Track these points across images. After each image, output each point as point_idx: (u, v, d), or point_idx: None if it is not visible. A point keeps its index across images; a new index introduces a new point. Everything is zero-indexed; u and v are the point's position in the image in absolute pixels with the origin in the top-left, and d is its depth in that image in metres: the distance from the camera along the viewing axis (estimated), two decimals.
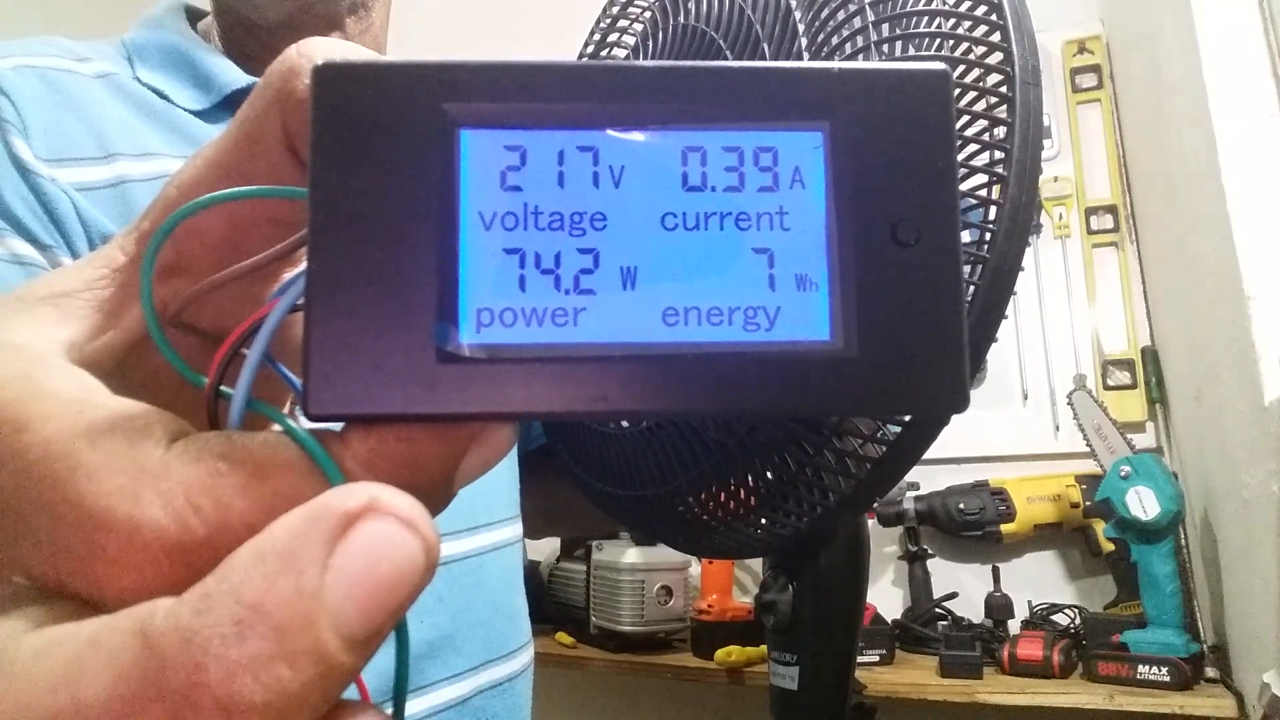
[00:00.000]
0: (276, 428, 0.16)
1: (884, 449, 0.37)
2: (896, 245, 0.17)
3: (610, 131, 0.17)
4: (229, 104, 0.61)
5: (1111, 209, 1.68)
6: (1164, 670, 1.20)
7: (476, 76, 0.17)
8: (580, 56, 0.66)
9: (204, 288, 0.19)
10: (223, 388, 0.18)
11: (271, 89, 0.18)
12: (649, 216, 0.17)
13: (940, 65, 0.17)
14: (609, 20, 0.63)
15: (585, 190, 0.17)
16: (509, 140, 0.17)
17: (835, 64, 0.17)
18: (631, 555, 1.55)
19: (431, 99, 0.17)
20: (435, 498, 0.17)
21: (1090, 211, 1.69)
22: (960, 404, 0.17)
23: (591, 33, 0.66)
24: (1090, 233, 1.68)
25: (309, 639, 0.13)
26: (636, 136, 0.17)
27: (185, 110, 0.60)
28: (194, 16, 0.67)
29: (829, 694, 0.49)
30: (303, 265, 0.17)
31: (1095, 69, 1.73)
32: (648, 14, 0.60)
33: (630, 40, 0.62)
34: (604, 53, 0.63)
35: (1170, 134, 1.41)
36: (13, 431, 0.15)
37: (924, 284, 0.17)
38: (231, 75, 0.61)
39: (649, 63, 0.17)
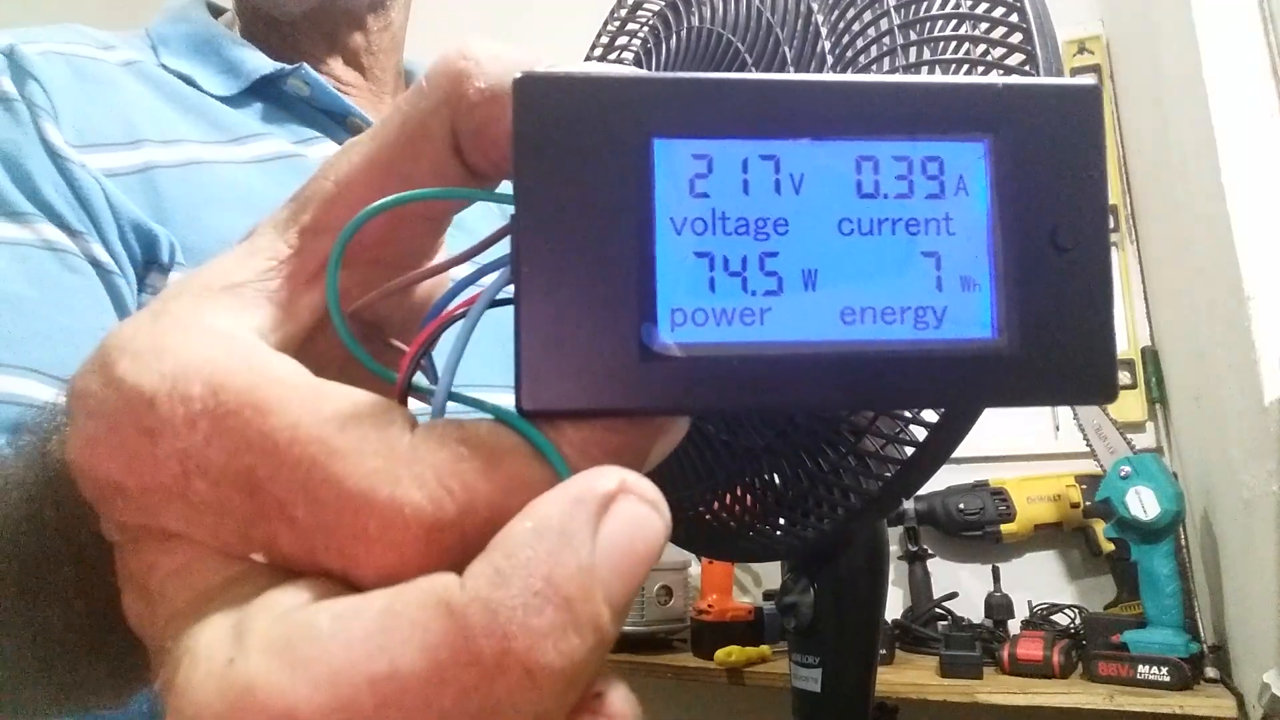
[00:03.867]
0: (485, 416, 0.17)
1: (911, 450, 0.37)
2: (1054, 249, 0.18)
3: (790, 141, 0.18)
4: (255, 90, 0.61)
5: (1111, 209, 1.68)
6: (1164, 670, 1.20)
7: (667, 89, 0.18)
8: (588, 59, 0.66)
9: (386, 291, 0.20)
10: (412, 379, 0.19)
11: (440, 90, 0.19)
12: (827, 222, 0.18)
13: (1092, 80, 0.19)
14: (618, 23, 0.63)
15: (768, 196, 0.18)
16: (697, 149, 0.18)
17: (998, 80, 0.18)
18: None
19: (626, 110, 0.17)
20: None
21: None
22: (1112, 394, 0.18)
23: (599, 34, 0.66)
24: None
25: (591, 609, 0.14)
26: (814, 146, 0.18)
27: (212, 96, 0.60)
28: (214, 11, 0.68)
29: (851, 695, 0.49)
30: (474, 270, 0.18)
31: (1095, 69, 1.74)
32: (657, 17, 0.60)
33: (639, 43, 0.61)
34: (612, 56, 0.62)
35: (1170, 134, 1.41)
36: (256, 415, 0.16)
37: (1079, 285, 0.18)
38: (258, 61, 0.61)
39: (826, 77, 0.18)
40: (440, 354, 0.19)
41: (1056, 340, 0.18)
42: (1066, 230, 0.18)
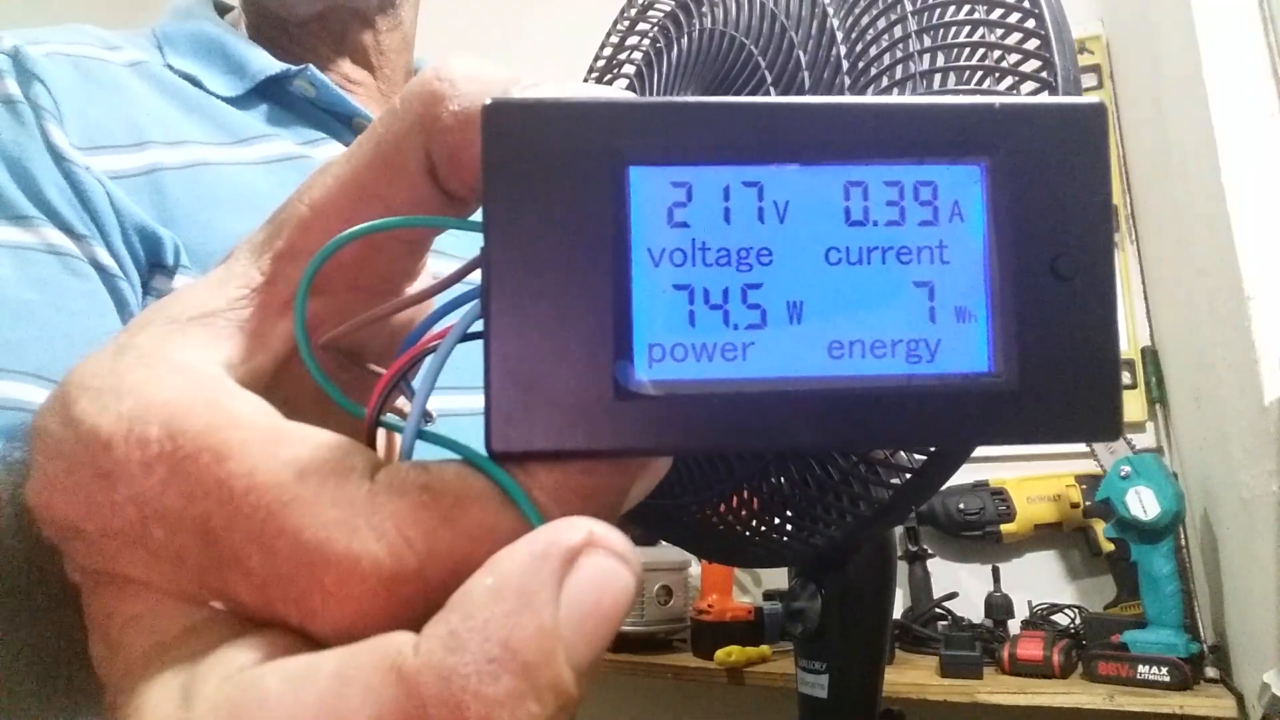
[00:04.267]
0: (453, 457, 0.17)
1: (923, 459, 0.36)
2: (1055, 278, 0.17)
3: (774, 167, 0.17)
4: (262, 91, 0.61)
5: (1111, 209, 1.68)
6: (1164, 670, 1.20)
7: (643, 114, 0.17)
8: (597, 59, 0.65)
9: (359, 322, 0.19)
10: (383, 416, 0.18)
11: (413, 114, 0.18)
12: (813, 251, 0.17)
13: (1096, 99, 0.17)
14: (627, 23, 0.62)
15: (751, 226, 0.17)
16: (675, 176, 0.17)
17: (994, 99, 0.17)
18: None
19: (600, 136, 0.17)
20: (608, 521, 0.17)
21: None
22: (1116, 432, 0.17)
23: (608, 35, 0.65)
24: None
25: (551, 673, 0.14)
26: (800, 172, 0.17)
27: (218, 97, 0.59)
28: (220, 10, 0.67)
29: (858, 701, 0.49)
30: (446, 301, 0.17)
31: (1095, 69, 1.74)
32: (667, 18, 0.60)
33: (648, 44, 0.61)
34: (622, 56, 0.62)
35: (1170, 134, 1.41)
36: (213, 461, 0.16)
37: (1081, 316, 0.17)
38: (264, 62, 0.61)
39: (811, 99, 0.17)
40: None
41: (1057, 375, 0.17)
42: (1069, 258, 0.17)
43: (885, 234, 0.17)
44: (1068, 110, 0.17)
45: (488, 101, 0.17)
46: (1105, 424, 0.17)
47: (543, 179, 0.16)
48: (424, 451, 0.17)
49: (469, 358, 0.19)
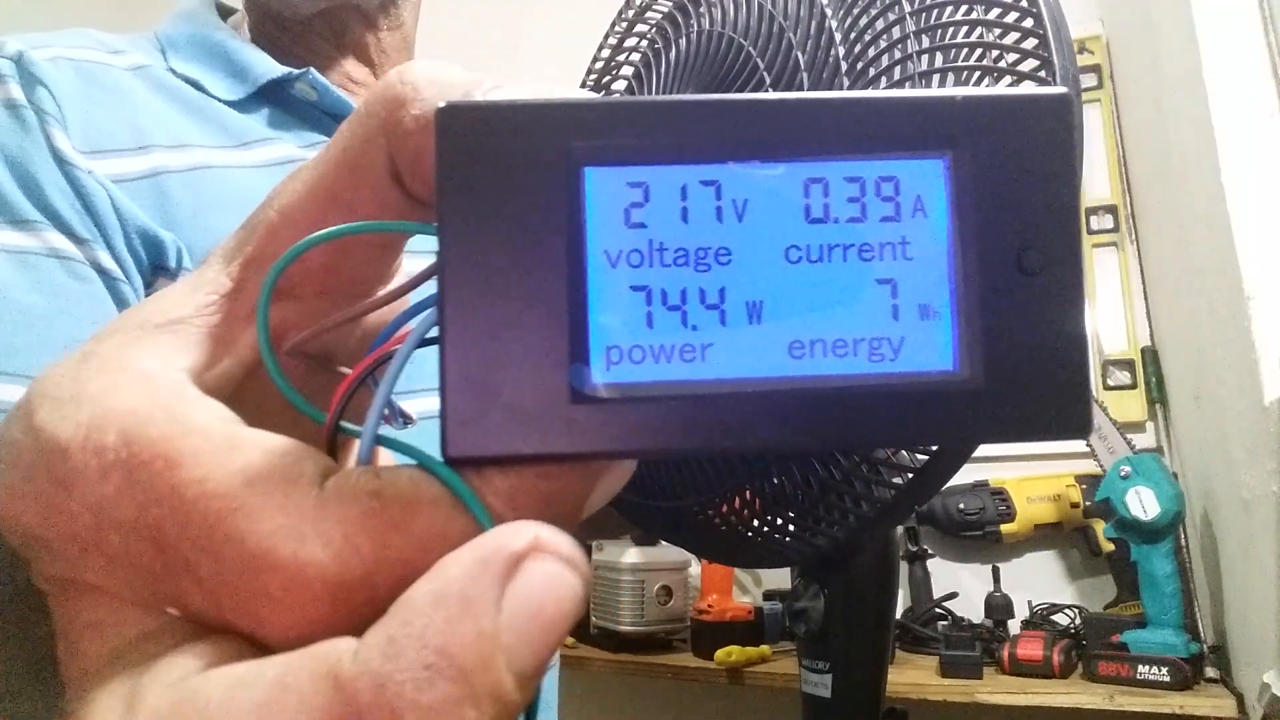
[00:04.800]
0: (409, 462, 0.17)
1: (925, 458, 0.36)
2: (1021, 273, 0.17)
3: (732, 165, 0.17)
4: (264, 94, 0.61)
5: (1111, 209, 1.68)
6: (1164, 670, 1.20)
7: (598, 114, 0.17)
8: (595, 61, 0.65)
9: (324, 326, 0.19)
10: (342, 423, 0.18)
11: (376, 118, 0.18)
12: (773, 250, 0.17)
13: (1062, 89, 0.17)
14: (625, 24, 0.62)
15: (709, 225, 0.17)
16: (632, 177, 0.17)
17: (957, 91, 0.17)
18: (631, 555, 1.55)
19: (554, 138, 0.16)
20: (566, 527, 0.17)
21: (1090, 211, 1.69)
22: (1085, 429, 0.17)
23: (606, 36, 0.65)
24: (1090, 233, 1.69)
25: (490, 680, 0.13)
26: (758, 169, 0.17)
27: (220, 100, 0.60)
28: (223, 12, 0.68)
29: (862, 701, 0.49)
30: (413, 304, 0.17)
31: (1095, 69, 1.73)
32: (665, 19, 0.60)
33: (646, 45, 0.61)
34: (620, 57, 0.62)
35: (1170, 134, 1.41)
36: (166, 468, 0.16)
37: (1048, 311, 0.17)
38: (266, 66, 0.61)
39: (769, 95, 0.17)
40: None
41: (1024, 371, 0.17)
42: (1034, 252, 0.17)
43: (846, 231, 0.17)
44: (1032, 101, 0.17)
45: (441, 105, 0.16)
46: (1073, 421, 0.17)
47: (498, 182, 0.16)
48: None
49: None
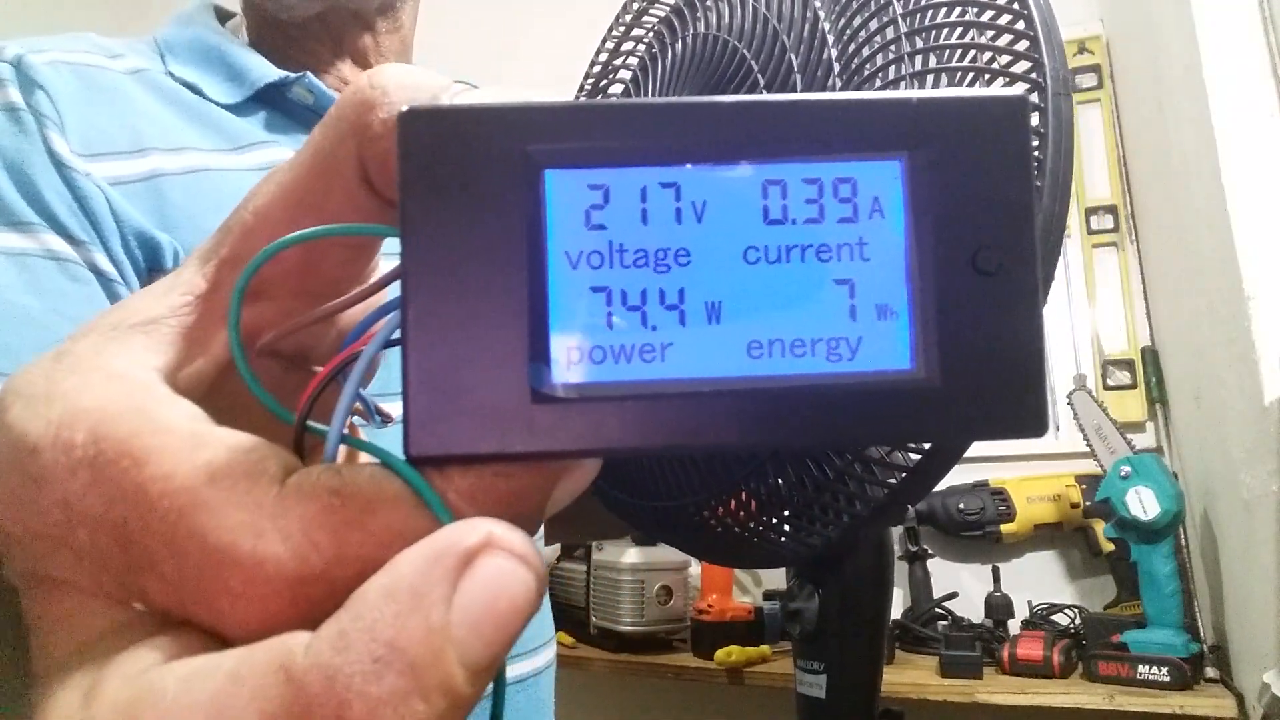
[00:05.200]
0: (372, 459, 0.17)
1: (918, 457, 0.37)
2: (977, 273, 0.17)
3: (691, 167, 0.17)
4: (261, 98, 0.62)
5: (1111, 209, 1.68)
6: (1164, 670, 1.20)
7: (558, 117, 0.17)
8: (592, 65, 0.66)
9: (292, 326, 0.19)
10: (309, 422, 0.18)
11: (346, 121, 0.18)
12: (731, 251, 0.17)
13: (1017, 91, 0.17)
14: (623, 28, 0.63)
15: (669, 226, 0.17)
16: (592, 179, 0.17)
17: (912, 93, 0.17)
18: (631, 555, 1.55)
19: (515, 141, 0.17)
20: (529, 525, 0.17)
21: (1090, 211, 1.69)
22: (1041, 427, 0.17)
23: (603, 40, 0.65)
24: (1090, 232, 1.69)
25: (440, 673, 0.14)
26: (717, 171, 0.17)
27: (217, 104, 0.60)
28: (222, 16, 0.68)
29: (857, 701, 0.49)
30: (382, 302, 0.17)
31: (1095, 69, 1.74)
32: (662, 23, 0.60)
33: (643, 49, 0.61)
34: (617, 61, 0.62)
35: (1170, 134, 1.41)
36: (132, 465, 0.16)
37: (1004, 311, 0.17)
38: (263, 70, 0.62)
39: (728, 98, 0.17)
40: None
41: (980, 371, 0.17)
42: (990, 252, 0.17)
43: (804, 232, 0.17)
44: (987, 103, 0.17)
45: (404, 109, 0.17)
46: (1029, 420, 0.17)
47: (460, 184, 0.17)
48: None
49: None
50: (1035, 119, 0.40)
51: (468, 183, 0.17)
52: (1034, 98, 0.40)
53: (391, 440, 0.17)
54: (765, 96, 0.16)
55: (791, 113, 0.17)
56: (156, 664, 0.15)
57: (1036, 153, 0.39)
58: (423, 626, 0.14)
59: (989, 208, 0.17)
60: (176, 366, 0.19)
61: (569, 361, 0.17)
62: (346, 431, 0.18)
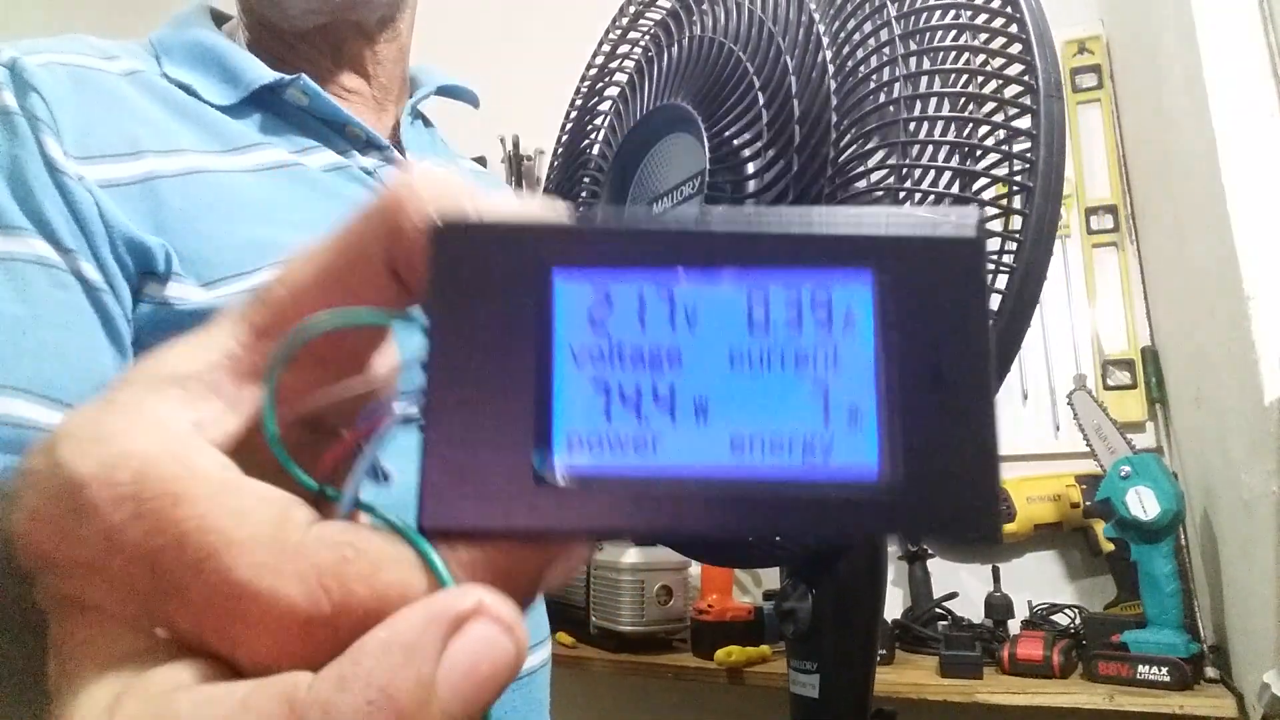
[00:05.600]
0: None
1: None
2: (937, 385, 0.18)
3: (684, 278, 0.19)
4: (256, 99, 0.62)
5: (1111, 209, 1.68)
6: (1164, 670, 1.21)
7: (569, 234, 0.19)
8: (589, 68, 0.66)
9: (316, 403, 0.22)
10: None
11: (379, 217, 0.20)
12: (718, 354, 0.19)
13: (971, 229, 0.19)
14: (619, 31, 0.63)
15: (663, 330, 0.19)
16: (597, 287, 0.19)
17: (883, 219, 0.19)
18: (631, 555, 1.55)
19: (530, 253, 0.19)
20: (525, 599, 0.19)
21: (1090, 211, 1.69)
22: (993, 534, 0.18)
23: (601, 43, 0.66)
24: (1090, 233, 1.69)
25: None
26: (707, 283, 0.19)
27: (212, 105, 0.60)
28: (218, 19, 0.68)
29: (850, 701, 0.49)
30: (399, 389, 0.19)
31: (1095, 69, 1.73)
32: (659, 26, 0.60)
33: (640, 52, 0.61)
34: (614, 64, 0.62)
35: (1170, 134, 1.41)
36: (171, 504, 0.18)
37: (961, 423, 0.18)
38: (258, 71, 0.62)
39: (719, 223, 0.19)
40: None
41: (938, 477, 0.18)
42: (948, 369, 0.18)
43: (784, 339, 0.19)
44: (943, 243, 0.19)
45: (438, 224, 0.19)
46: (982, 528, 0.18)
47: (481, 289, 0.19)
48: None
49: None
50: (1027, 121, 0.40)
51: (488, 287, 0.19)
52: (1026, 99, 0.40)
53: (387, 497, 0.20)
54: (751, 224, 0.19)
55: (774, 236, 0.19)
56: (175, 687, 0.17)
57: (1029, 153, 0.39)
58: (413, 678, 0.16)
59: (949, 329, 0.19)
60: (208, 422, 0.20)
61: (570, 448, 0.18)
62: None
